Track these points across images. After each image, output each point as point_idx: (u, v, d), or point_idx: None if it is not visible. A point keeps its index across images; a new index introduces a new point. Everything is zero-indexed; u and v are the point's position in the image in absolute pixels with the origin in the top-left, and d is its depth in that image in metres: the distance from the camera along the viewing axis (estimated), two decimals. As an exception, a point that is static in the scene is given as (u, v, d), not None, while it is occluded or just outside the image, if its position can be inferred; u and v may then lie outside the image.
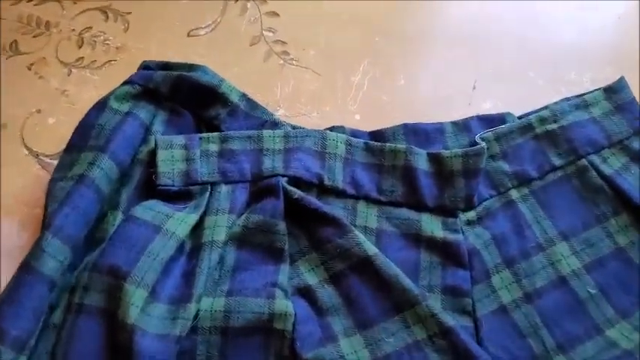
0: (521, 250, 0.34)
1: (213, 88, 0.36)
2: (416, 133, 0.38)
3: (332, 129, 0.38)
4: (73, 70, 0.42)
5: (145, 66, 0.38)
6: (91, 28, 0.44)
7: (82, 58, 0.43)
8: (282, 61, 0.43)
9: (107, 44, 0.43)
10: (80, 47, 0.43)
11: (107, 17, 0.45)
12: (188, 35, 0.44)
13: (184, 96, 0.36)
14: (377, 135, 0.38)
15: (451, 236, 0.34)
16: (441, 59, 0.44)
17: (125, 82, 0.36)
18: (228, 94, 0.36)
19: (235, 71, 0.41)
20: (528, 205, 0.36)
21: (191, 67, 0.37)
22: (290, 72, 0.42)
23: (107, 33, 0.44)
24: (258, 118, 0.37)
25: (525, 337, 0.32)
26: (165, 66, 0.37)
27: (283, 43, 0.44)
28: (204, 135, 0.35)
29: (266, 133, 0.35)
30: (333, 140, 0.36)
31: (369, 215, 0.35)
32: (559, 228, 0.35)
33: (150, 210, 0.32)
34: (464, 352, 0.30)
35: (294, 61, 0.43)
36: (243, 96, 0.37)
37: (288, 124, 0.37)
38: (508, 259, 0.34)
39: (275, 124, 0.37)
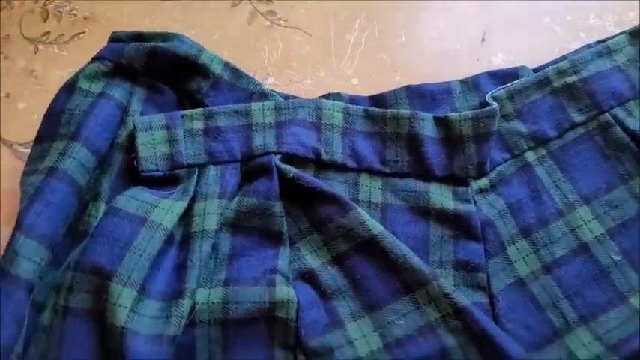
0: (539, 217, 0.32)
1: (192, 59, 0.33)
2: (421, 95, 0.35)
3: (328, 96, 0.35)
4: (39, 46, 0.39)
5: (115, 38, 0.34)
6: (55, -3, 0.40)
7: (49, 32, 0.39)
8: (268, 22, 0.39)
9: (74, 14, 0.40)
10: (45, 20, 0.40)
11: (72, -17, 0.41)
12: (162, -1, 0.40)
13: (161, 70, 0.33)
14: (378, 100, 0.35)
15: (462, 207, 0.32)
16: (445, 10, 0.39)
17: (94, 59, 0.33)
18: (209, 65, 0.33)
19: (217, 37, 0.38)
20: (546, 168, 0.33)
21: (166, 37, 0.33)
22: (278, 34, 0.39)
23: (73, 2, 0.40)
24: (245, 89, 0.34)
25: (544, 310, 0.31)
26: (138, 37, 0.34)
27: (268, 1, 0.40)
28: (187, 112, 0.32)
29: (255, 106, 0.32)
30: (329, 109, 0.33)
31: (372, 189, 0.33)
32: (580, 191, 0.32)
33: (133, 200, 0.30)
34: (480, 331, 0.28)
35: (281, 22, 0.39)
36: (227, 65, 0.34)
37: (278, 94, 0.34)
38: (525, 228, 0.32)
39: (264, 95, 0.34)
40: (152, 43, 0.33)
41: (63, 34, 0.40)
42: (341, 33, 0.39)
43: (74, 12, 0.40)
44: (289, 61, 0.38)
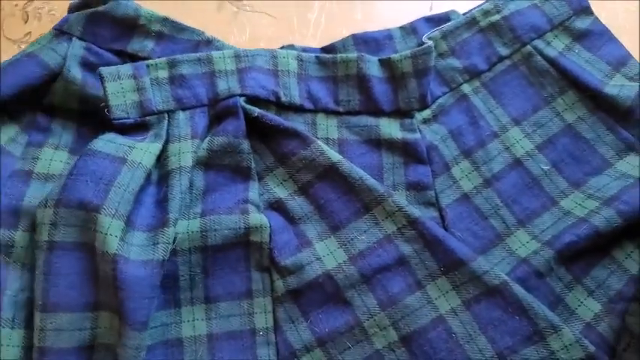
0: (477, 139, 0.36)
1: (131, 21, 0.35)
2: (366, 42, 0.38)
3: (281, 48, 0.38)
4: (22, 46, 0.41)
5: (70, 9, 0.36)
6: (33, 0, 0.42)
7: (30, 32, 0.41)
8: (235, 9, 0.42)
9: (52, 14, 0.42)
10: (26, 22, 0.42)
11: (48, -13, 0.43)
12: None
13: (102, 33, 0.35)
14: (328, 49, 0.38)
15: (409, 136, 0.35)
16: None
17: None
18: (149, 25, 0.35)
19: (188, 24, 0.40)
20: (480, 97, 0.37)
21: (106, 1, 0.35)
22: (245, 19, 0.42)
23: (51, 3, 0.42)
24: (190, 40, 0.36)
25: (487, 218, 0.34)
26: (85, 5, 0.36)
27: (235, -11, 0.43)
28: (151, 62, 0.34)
29: (215, 54, 0.35)
30: (284, 57, 0.36)
31: (329, 127, 0.36)
32: (511, 114, 0.36)
33: (110, 143, 0.32)
34: (432, 238, 0.31)
35: (247, 7, 0.42)
36: (166, 21, 0.36)
37: (227, 44, 0.37)
38: (466, 150, 0.36)
39: (209, 42, 0.36)
40: (92, 10, 0.34)
41: (44, 33, 0.42)
42: (303, 13, 0.41)
43: (52, 12, 0.41)
44: (257, 42, 0.41)
